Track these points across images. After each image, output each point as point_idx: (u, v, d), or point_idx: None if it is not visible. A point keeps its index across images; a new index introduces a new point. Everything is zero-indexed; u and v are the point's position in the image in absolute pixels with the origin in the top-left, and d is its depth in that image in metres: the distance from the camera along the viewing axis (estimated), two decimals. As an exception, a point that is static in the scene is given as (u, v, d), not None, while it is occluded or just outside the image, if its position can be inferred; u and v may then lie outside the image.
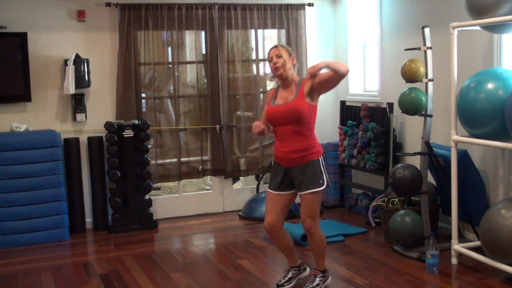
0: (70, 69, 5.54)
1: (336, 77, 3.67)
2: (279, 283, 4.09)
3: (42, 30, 5.62)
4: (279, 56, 3.82)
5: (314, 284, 3.98)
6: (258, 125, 3.84)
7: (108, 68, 5.89)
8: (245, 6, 6.23)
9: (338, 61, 3.64)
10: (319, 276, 4.02)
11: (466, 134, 4.40)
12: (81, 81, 5.66)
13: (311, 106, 3.84)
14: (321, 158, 3.88)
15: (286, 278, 4.11)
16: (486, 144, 4.28)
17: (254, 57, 6.43)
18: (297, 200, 4.02)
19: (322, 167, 3.85)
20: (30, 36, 5.53)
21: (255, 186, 6.47)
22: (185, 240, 5.55)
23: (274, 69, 3.84)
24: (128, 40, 5.83)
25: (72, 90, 5.55)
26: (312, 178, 3.80)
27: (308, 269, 4.25)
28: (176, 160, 6.21)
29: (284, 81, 3.88)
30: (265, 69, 6.49)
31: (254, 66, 6.46)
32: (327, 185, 3.87)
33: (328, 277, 4.09)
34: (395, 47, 5.73)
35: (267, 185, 4.08)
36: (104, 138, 5.80)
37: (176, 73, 6.12)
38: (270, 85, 6.65)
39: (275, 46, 3.90)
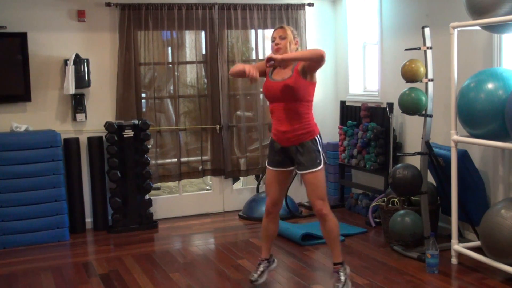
0: (70, 69, 5.54)
1: (313, 63, 3.71)
2: (252, 278, 4.10)
3: (42, 30, 5.62)
4: (282, 38, 3.84)
5: (342, 281, 3.89)
6: (251, 70, 3.76)
7: (108, 68, 5.89)
8: (245, 6, 6.23)
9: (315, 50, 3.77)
10: (341, 270, 3.93)
11: (466, 134, 4.40)
12: (81, 81, 5.66)
13: (308, 82, 3.81)
14: (317, 137, 3.86)
15: (259, 272, 4.12)
16: (486, 144, 4.28)
17: (254, 57, 6.43)
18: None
19: (319, 147, 3.84)
20: (30, 36, 5.53)
21: (255, 186, 6.47)
22: (185, 240, 5.55)
23: (275, 49, 3.85)
24: (128, 40, 5.83)
25: (72, 90, 5.55)
26: (309, 158, 3.80)
27: (276, 260, 4.24)
28: (176, 160, 6.21)
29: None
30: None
31: (254, 66, 6.45)
32: (325, 163, 3.87)
33: (347, 267, 4.00)
34: (395, 47, 5.73)
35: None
36: (104, 138, 5.80)
37: (176, 73, 6.12)
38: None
39: (281, 27, 3.90)
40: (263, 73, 3.99)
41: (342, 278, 3.91)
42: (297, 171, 3.90)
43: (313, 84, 3.86)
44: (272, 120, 3.93)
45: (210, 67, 6.20)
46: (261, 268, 4.14)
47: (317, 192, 3.83)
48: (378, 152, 5.76)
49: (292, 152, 3.86)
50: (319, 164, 3.82)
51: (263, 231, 4.13)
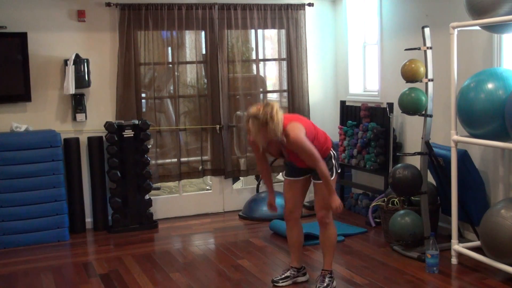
0: (70, 69, 5.54)
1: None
2: (274, 278, 4.17)
3: (42, 30, 5.62)
4: (262, 132, 3.60)
5: (325, 284, 3.99)
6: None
7: (108, 68, 5.89)
8: (245, 6, 6.23)
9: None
10: (328, 276, 4.03)
11: (466, 134, 4.40)
12: (81, 81, 5.66)
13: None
14: (331, 152, 3.94)
15: (283, 276, 4.16)
16: (486, 144, 4.28)
17: (254, 57, 6.43)
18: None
19: (333, 159, 3.93)
20: (30, 36, 5.52)
21: (255, 186, 6.47)
22: (185, 240, 5.55)
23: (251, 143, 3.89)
24: (128, 40, 5.83)
25: (72, 90, 5.55)
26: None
27: (307, 275, 4.24)
28: (176, 160, 6.21)
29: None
30: (265, 69, 6.49)
31: (254, 66, 6.46)
32: (337, 173, 3.98)
33: (334, 279, 4.09)
34: (395, 47, 5.73)
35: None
36: (104, 138, 5.80)
37: (176, 73, 6.12)
38: (270, 86, 6.67)
39: (248, 120, 3.66)
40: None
41: (326, 282, 4.00)
42: (312, 180, 3.99)
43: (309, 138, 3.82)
44: None
45: (210, 67, 6.20)
46: (287, 273, 4.17)
47: (324, 201, 3.90)
48: (378, 152, 5.76)
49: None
50: (330, 175, 3.83)
51: (290, 239, 4.21)
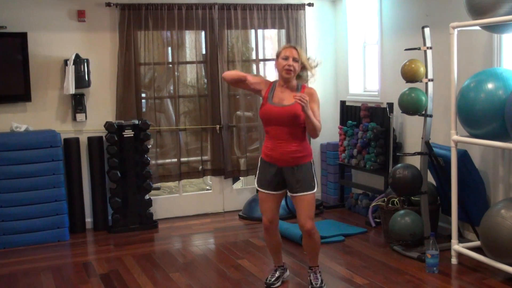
0: (70, 69, 5.54)
1: (309, 127, 3.79)
2: (269, 281, 4.17)
3: (42, 30, 5.62)
4: (296, 60, 3.82)
5: (319, 280, 4.06)
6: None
7: (108, 68, 5.89)
8: (245, 6, 6.23)
9: (317, 122, 3.82)
10: (318, 271, 4.11)
11: (466, 134, 4.40)
12: (81, 81, 5.66)
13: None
14: (312, 161, 3.96)
15: (275, 277, 4.20)
16: (486, 144, 4.28)
17: (254, 57, 6.43)
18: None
19: (313, 171, 3.94)
20: (30, 36, 5.53)
21: (255, 186, 6.46)
22: (185, 240, 5.55)
23: (285, 70, 3.81)
24: (128, 40, 5.83)
25: (72, 90, 5.55)
26: (305, 181, 3.88)
27: (288, 270, 4.33)
28: (176, 160, 6.21)
29: (286, 82, 3.89)
30: (265, 69, 6.48)
31: (254, 66, 6.45)
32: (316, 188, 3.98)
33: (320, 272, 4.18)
34: (395, 47, 5.73)
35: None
36: (104, 138, 5.80)
37: (176, 73, 6.12)
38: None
39: (294, 48, 3.86)
40: (258, 89, 3.96)
41: (320, 278, 4.08)
42: (292, 194, 3.93)
43: None
44: (267, 141, 3.95)
45: (210, 67, 6.20)
46: (277, 274, 4.22)
47: (309, 213, 3.91)
48: (378, 152, 5.76)
49: (287, 173, 3.90)
50: (314, 187, 3.90)
51: (268, 246, 4.24)
